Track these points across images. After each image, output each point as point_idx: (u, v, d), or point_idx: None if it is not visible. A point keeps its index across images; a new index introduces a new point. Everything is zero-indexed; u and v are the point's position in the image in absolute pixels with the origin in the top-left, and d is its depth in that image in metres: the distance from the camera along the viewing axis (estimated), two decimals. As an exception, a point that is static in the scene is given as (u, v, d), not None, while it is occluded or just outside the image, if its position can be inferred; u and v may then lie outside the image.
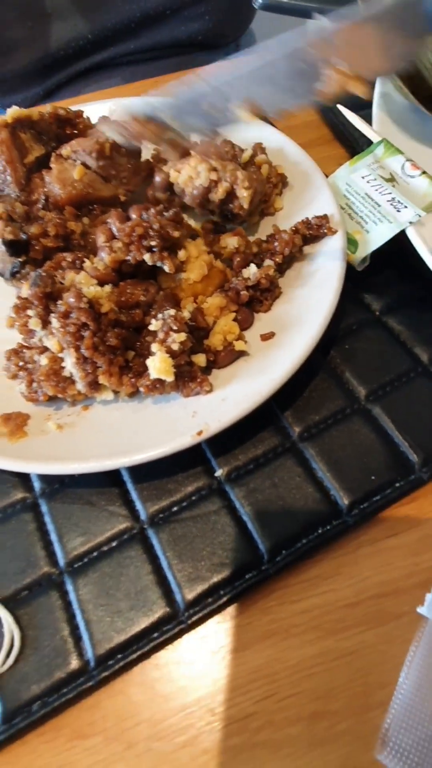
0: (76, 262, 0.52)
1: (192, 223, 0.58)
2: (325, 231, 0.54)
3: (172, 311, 0.47)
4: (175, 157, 0.48)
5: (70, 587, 0.44)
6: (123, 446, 0.45)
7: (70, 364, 0.47)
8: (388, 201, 0.54)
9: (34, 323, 0.49)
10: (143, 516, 0.46)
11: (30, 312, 0.49)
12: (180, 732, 0.38)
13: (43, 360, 0.48)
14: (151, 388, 0.47)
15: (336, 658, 0.40)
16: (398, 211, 0.53)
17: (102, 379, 0.47)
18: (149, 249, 0.49)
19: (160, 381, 0.46)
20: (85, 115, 0.60)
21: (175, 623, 0.42)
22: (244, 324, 0.52)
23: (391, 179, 0.56)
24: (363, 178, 0.57)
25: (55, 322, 0.47)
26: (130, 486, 0.48)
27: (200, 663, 0.41)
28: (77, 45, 0.98)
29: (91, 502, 0.48)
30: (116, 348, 0.47)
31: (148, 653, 0.41)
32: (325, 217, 0.55)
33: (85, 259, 0.51)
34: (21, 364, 0.51)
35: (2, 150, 0.55)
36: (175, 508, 0.47)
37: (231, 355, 0.50)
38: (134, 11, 0.98)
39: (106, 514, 0.47)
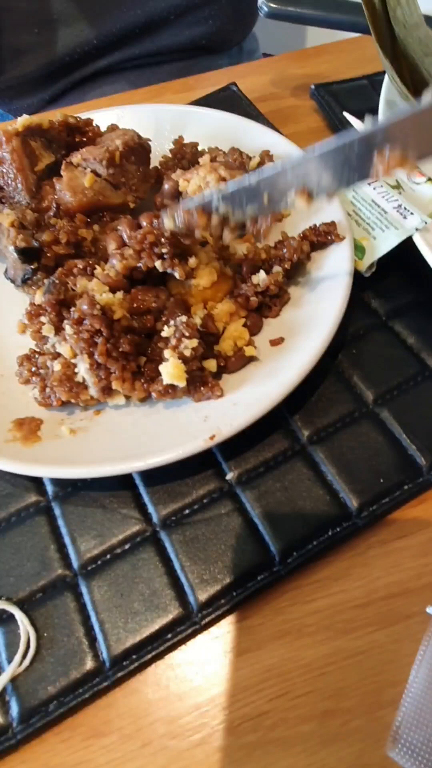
0: (87, 269, 0.53)
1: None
2: (333, 237, 0.55)
3: (184, 318, 0.48)
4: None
5: (84, 589, 0.45)
6: (135, 450, 0.46)
7: (83, 370, 0.48)
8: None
9: (48, 330, 0.50)
10: (155, 519, 0.47)
11: (43, 318, 0.50)
12: (194, 730, 0.39)
13: (56, 366, 0.49)
14: (164, 393, 0.48)
15: (347, 657, 0.41)
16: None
17: (115, 385, 0.48)
18: (160, 256, 0.50)
19: (172, 386, 0.47)
20: (94, 123, 0.61)
21: (189, 624, 0.43)
22: (254, 329, 0.53)
23: (397, 186, 0.57)
24: (369, 185, 0.58)
25: (68, 328, 0.47)
26: (142, 489, 0.49)
27: (214, 663, 0.42)
28: (83, 50, 0.99)
29: (103, 505, 0.48)
30: (129, 354, 0.48)
31: (162, 653, 0.42)
32: (332, 223, 0.56)
33: (96, 266, 0.52)
34: (34, 369, 0.52)
35: (13, 158, 0.56)
36: (187, 511, 0.47)
37: (241, 361, 0.51)
38: (139, 16, 0.99)
39: (119, 517, 0.48)
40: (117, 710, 0.40)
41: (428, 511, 0.46)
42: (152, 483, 0.49)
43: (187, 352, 0.46)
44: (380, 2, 0.59)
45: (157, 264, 0.50)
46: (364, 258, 0.56)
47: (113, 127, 0.62)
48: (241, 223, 0.48)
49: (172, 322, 0.49)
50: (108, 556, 0.46)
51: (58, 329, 0.49)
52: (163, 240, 0.49)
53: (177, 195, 0.58)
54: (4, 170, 0.56)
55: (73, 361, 0.48)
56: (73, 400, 0.50)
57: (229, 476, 0.48)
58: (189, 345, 0.47)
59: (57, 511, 0.48)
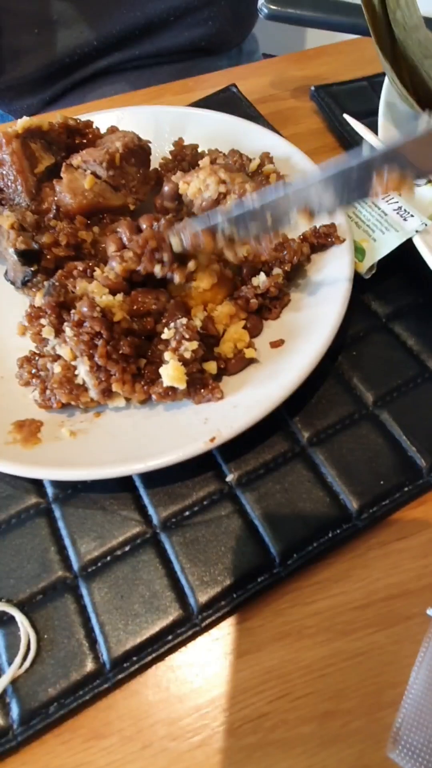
0: (87, 271, 0.53)
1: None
2: (333, 240, 0.55)
3: (184, 320, 0.48)
4: (233, 256, 0.51)
5: (84, 591, 0.45)
6: (136, 452, 0.46)
7: (83, 372, 0.48)
8: (395, 210, 0.55)
9: (48, 332, 0.50)
10: (156, 521, 0.47)
11: (43, 321, 0.50)
12: (195, 732, 0.39)
13: (57, 368, 0.49)
14: (164, 396, 0.48)
15: (347, 658, 0.41)
16: (405, 219, 0.54)
17: (115, 387, 0.48)
18: (160, 261, 0.50)
19: (172, 388, 0.47)
20: (94, 125, 0.61)
21: (189, 626, 0.43)
22: (254, 331, 0.53)
23: (397, 188, 0.57)
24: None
25: (68, 330, 0.47)
26: (142, 491, 0.49)
27: (214, 664, 0.42)
28: (83, 51, 0.99)
29: (103, 507, 0.48)
30: (129, 356, 0.48)
31: (162, 655, 0.42)
32: (332, 225, 0.56)
33: (96, 268, 0.52)
34: (34, 371, 0.52)
35: (13, 160, 0.56)
36: (187, 513, 0.47)
37: (241, 363, 0.51)
38: (138, 18, 0.99)
39: (119, 519, 0.48)
40: (117, 712, 0.41)
41: (428, 512, 0.46)
42: (152, 485, 0.49)
43: (187, 355, 0.47)
44: (380, 4, 0.59)
45: (156, 269, 0.50)
46: (364, 260, 0.56)
47: (113, 129, 0.62)
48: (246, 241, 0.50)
49: (172, 325, 0.49)
50: (108, 558, 0.46)
51: (58, 331, 0.49)
52: (164, 245, 0.49)
53: (177, 197, 0.58)
54: (4, 172, 0.56)
55: (73, 363, 0.49)
56: (73, 402, 0.50)
57: (229, 478, 0.48)
58: (189, 347, 0.47)
59: (57, 513, 0.49)
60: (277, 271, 0.54)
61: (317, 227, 0.56)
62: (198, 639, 0.43)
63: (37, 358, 0.52)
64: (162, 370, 0.47)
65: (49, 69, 1.00)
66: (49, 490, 0.50)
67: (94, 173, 0.56)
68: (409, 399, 0.51)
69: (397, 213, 0.55)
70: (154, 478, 0.49)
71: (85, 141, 0.61)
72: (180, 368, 0.46)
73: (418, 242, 0.53)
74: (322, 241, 0.56)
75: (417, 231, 0.53)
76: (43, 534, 0.48)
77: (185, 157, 0.64)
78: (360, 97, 0.78)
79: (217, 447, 0.46)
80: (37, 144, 0.58)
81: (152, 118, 0.72)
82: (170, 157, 0.65)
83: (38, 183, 0.58)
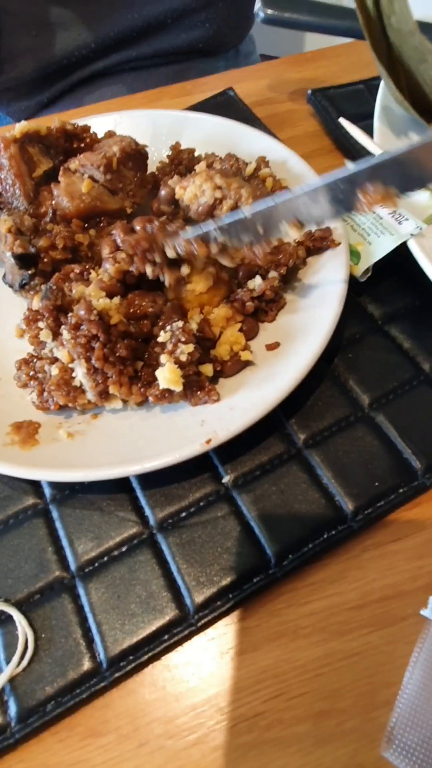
0: (84, 274, 0.53)
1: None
2: (329, 243, 0.56)
3: (180, 323, 0.49)
4: (228, 261, 0.52)
5: (81, 591, 0.45)
6: (133, 454, 0.47)
7: (80, 375, 0.48)
8: (390, 213, 0.56)
9: (45, 335, 0.50)
10: (152, 521, 0.48)
11: (41, 324, 0.51)
12: (191, 730, 0.40)
13: (54, 370, 0.50)
14: (160, 398, 0.48)
15: (342, 658, 0.41)
16: (399, 223, 0.55)
17: (112, 389, 0.48)
18: (152, 262, 0.50)
19: (168, 391, 0.48)
20: (92, 130, 0.62)
21: (185, 626, 0.43)
22: (250, 334, 0.53)
23: (392, 191, 0.57)
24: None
25: (65, 333, 0.48)
26: (139, 492, 0.49)
27: (210, 664, 0.42)
28: (80, 53, 1.00)
29: (101, 508, 0.49)
30: (126, 358, 0.49)
31: (158, 655, 0.42)
32: (328, 229, 0.56)
33: (92, 271, 0.53)
34: (32, 373, 0.52)
35: (11, 164, 0.56)
36: (183, 514, 0.48)
37: (237, 365, 0.51)
38: (136, 20, 0.99)
39: (116, 520, 0.48)
40: (114, 710, 0.41)
41: (423, 514, 0.47)
42: (149, 486, 0.49)
43: (183, 357, 0.47)
44: (375, 10, 0.60)
45: (148, 270, 0.50)
46: (360, 263, 0.56)
47: (111, 134, 0.63)
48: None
49: (168, 327, 0.49)
50: (105, 559, 0.46)
51: (56, 334, 0.50)
52: (155, 246, 0.49)
53: (173, 201, 0.59)
54: (2, 176, 0.57)
55: (70, 365, 0.49)
56: (70, 404, 0.50)
57: (226, 479, 0.49)
58: (185, 350, 0.47)
59: (55, 514, 0.49)
60: (273, 274, 0.54)
61: (313, 231, 0.56)
62: (194, 639, 0.43)
63: (35, 360, 0.53)
64: (158, 373, 0.47)
65: (47, 71, 1.00)
66: (47, 491, 0.50)
67: (91, 177, 0.57)
68: (404, 401, 0.52)
69: (392, 216, 0.55)
70: (151, 480, 0.49)
71: (82, 145, 0.62)
72: (176, 371, 0.46)
73: (412, 246, 0.53)
74: (317, 244, 0.56)
75: (412, 234, 0.54)
76: (40, 534, 0.48)
77: (182, 161, 0.65)
78: (356, 101, 0.79)
79: (213, 449, 0.46)
80: (35, 148, 0.58)
81: (149, 122, 0.72)
82: (167, 161, 0.66)
83: (36, 187, 0.58)
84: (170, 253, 0.50)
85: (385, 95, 0.65)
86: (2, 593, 0.45)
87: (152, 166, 0.65)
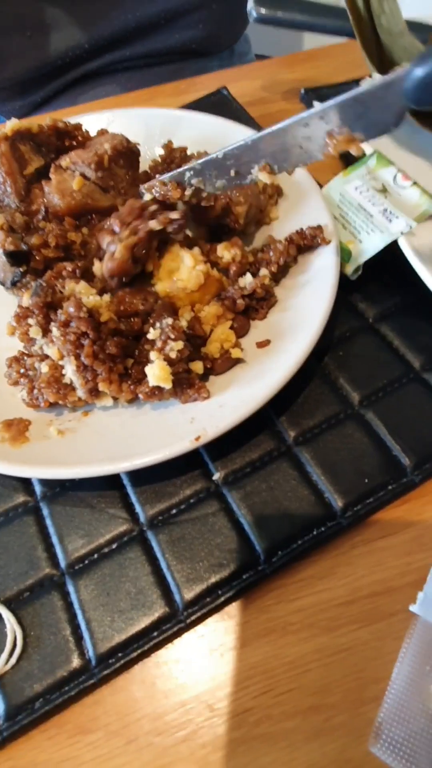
0: (76, 272, 0.53)
1: (188, 232, 0.59)
2: (319, 241, 0.56)
3: (169, 320, 0.49)
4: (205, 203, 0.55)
5: (71, 588, 0.45)
6: (123, 451, 0.47)
7: (70, 372, 0.48)
8: (381, 211, 0.56)
9: (35, 332, 0.50)
10: (143, 518, 0.48)
11: (31, 321, 0.51)
12: (180, 727, 0.40)
13: (44, 367, 0.49)
14: (150, 395, 0.48)
15: (331, 654, 0.41)
16: (390, 221, 0.55)
17: (102, 386, 0.48)
18: (153, 216, 0.51)
19: (158, 388, 0.48)
20: (84, 128, 0.62)
21: (174, 622, 0.43)
22: (241, 332, 0.53)
23: (384, 190, 0.58)
24: (356, 189, 0.59)
25: (55, 330, 0.48)
26: (129, 489, 0.49)
27: (199, 660, 0.42)
28: (74, 54, 1.00)
29: (91, 505, 0.49)
30: (116, 356, 0.49)
31: (148, 652, 0.42)
32: (319, 227, 0.56)
33: (96, 260, 0.54)
34: (22, 371, 0.52)
35: (2, 162, 0.56)
36: (173, 511, 0.48)
37: (228, 363, 0.51)
38: (129, 21, 1.00)
39: (107, 517, 0.48)
40: (103, 707, 0.41)
41: (412, 511, 0.47)
42: (140, 483, 0.49)
43: (173, 354, 0.47)
44: (365, 10, 0.60)
45: (152, 223, 0.51)
46: (350, 261, 0.56)
47: (103, 132, 0.63)
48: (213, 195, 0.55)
49: (158, 324, 0.49)
50: (95, 556, 0.46)
51: (46, 331, 0.50)
52: (146, 204, 0.52)
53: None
54: (-6, 174, 0.56)
55: (60, 362, 0.49)
56: (60, 402, 0.50)
57: (216, 476, 0.49)
58: (174, 347, 0.47)
59: (45, 511, 0.49)
60: (263, 272, 0.55)
61: (303, 229, 0.56)
62: (183, 635, 0.43)
63: (25, 357, 0.53)
64: (148, 370, 0.47)
65: (41, 71, 1.00)
66: (37, 489, 0.50)
67: (82, 174, 0.57)
68: (394, 399, 0.52)
69: (383, 215, 0.56)
70: (142, 477, 0.49)
71: (74, 143, 0.61)
72: (165, 368, 0.46)
73: (403, 244, 0.53)
74: (308, 242, 0.56)
75: (402, 232, 0.54)
76: (30, 532, 0.48)
77: (174, 160, 0.65)
78: (349, 100, 0.79)
79: (203, 446, 0.46)
80: (26, 146, 0.58)
81: (142, 121, 0.72)
82: (160, 159, 0.66)
83: (27, 184, 0.58)
84: (147, 198, 0.53)
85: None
86: (-9, 590, 0.45)
87: (145, 165, 0.65)
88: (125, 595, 0.44)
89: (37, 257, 0.55)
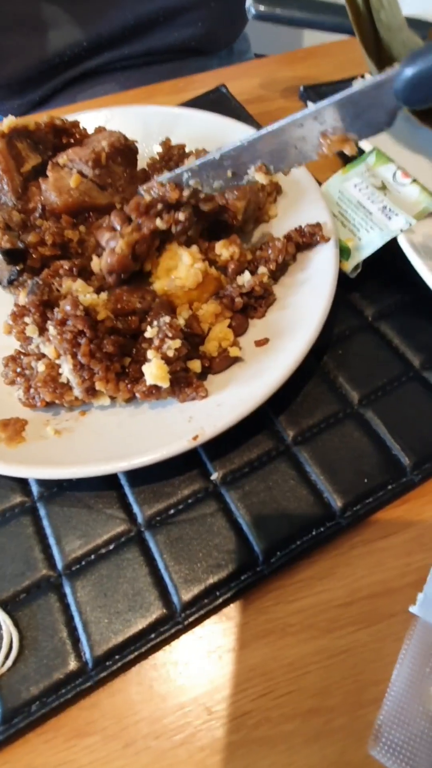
0: (73, 270, 0.53)
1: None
2: (318, 239, 0.55)
3: (167, 318, 0.48)
4: (203, 206, 0.55)
5: (68, 589, 0.45)
6: (120, 451, 0.46)
7: (67, 371, 0.48)
8: (380, 209, 0.56)
9: (31, 330, 0.50)
10: (140, 519, 0.47)
11: (27, 319, 0.50)
12: (178, 730, 0.39)
13: (41, 366, 0.49)
14: (148, 394, 0.48)
15: (331, 656, 0.41)
16: (389, 219, 0.55)
17: (99, 386, 0.48)
18: (158, 215, 0.51)
19: (156, 387, 0.47)
20: (82, 125, 0.61)
21: (172, 624, 0.43)
22: (239, 330, 0.53)
23: (383, 187, 0.57)
24: (355, 186, 0.58)
25: (52, 329, 0.48)
26: (127, 489, 0.49)
27: (197, 662, 0.42)
28: (73, 52, 0.99)
29: (88, 505, 0.48)
30: (113, 355, 0.48)
31: (145, 654, 0.42)
32: (318, 225, 0.56)
33: (94, 257, 0.53)
34: (19, 370, 0.52)
35: (-1, 159, 0.56)
36: (171, 511, 0.47)
37: (226, 361, 0.51)
38: (128, 19, 0.99)
39: (104, 517, 0.48)
40: (101, 710, 0.40)
41: (411, 511, 0.47)
42: (137, 483, 0.49)
43: (170, 353, 0.47)
44: (364, 5, 0.59)
45: (158, 222, 0.51)
46: (350, 259, 0.56)
47: (100, 129, 0.62)
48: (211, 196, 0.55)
49: (155, 323, 0.49)
50: (92, 557, 0.46)
51: (42, 330, 0.49)
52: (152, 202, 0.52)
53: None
54: (-10, 171, 0.56)
55: (57, 361, 0.49)
56: (57, 401, 0.50)
57: (214, 476, 0.49)
58: (172, 345, 0.47)
59: (42, 512, 0.49)
60: (262, 270, 0.54)
61: (302, 226, 0.56)
62: (181, 637, 0.43)
63: (21, 356, 0.52)
64: (145, 369, 0.47)
65: (39, 69, 1.00)
66: (34, 489, 0.50)
67: (80, 172, 0.56)
68: (393, 398, 0.51)
69: (382, 212, 0.55)
70: (139, 476, 0.49)
71: (72, 141, 0.61)
72: (163, 366, 0.46)
73: (402, 241, 0.53)
74: (307, 240, 0.56)
75: (402, 230, 0.53)
76: (27, 532, 0.48)
77: (172, 157, 0.64)
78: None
79: (201, 445, 0.46)
80: (23, 143, 0.58)
81: (140, 119, 0.72)
82: (158, 157, 0.65)
83: (24, 182, 0.57)
84: (146, 198, 0.52)
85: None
86: (-13, 592, 0.45)
87: (142, 163, 0.64)
88: (123, 596, 0.44)
89: (33, 255, 0.54)
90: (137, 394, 0.48)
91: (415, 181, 0.57)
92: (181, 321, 0.50)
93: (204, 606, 0.43)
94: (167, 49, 1.07)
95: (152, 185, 0.53)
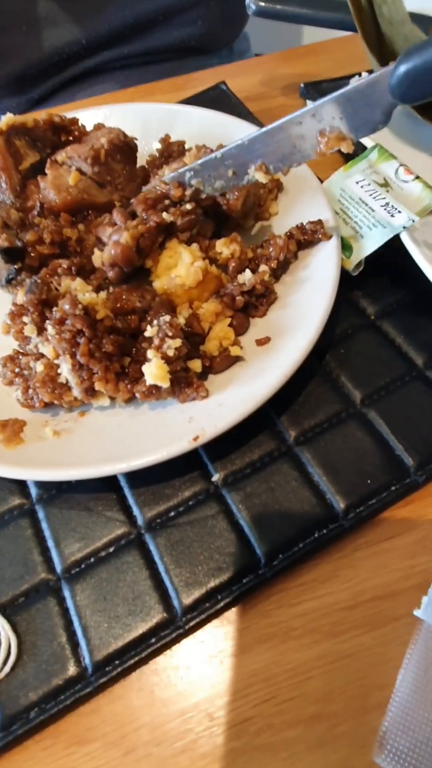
0: (72, 269, 0.52)
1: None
2: (320, 236, 0.55)
3: (167, 317, 0.48)
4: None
5: (67, 593, 0.44)
6: (120, 452, 0.46)
7: (66, 371, 0.47)
8: (382, 206, 0.55)
9: (30, 330, 0.49)
10: (140, 521, 0.47)
11: (25, 319, 0.50)
12: (179, 736, 0.39)
13: (39, 366, 0.48)
14: (147, 394, 0.47)
15: (334, 660, 0.40)
16: (392, 215, 0.54)
17: (98, 386, 0.47)
18: (165, 209, 0.51)
19: (156, 387, 0.47)
20: (80, 123, 0.61)
21: (173, 628, 0.42)
22: (240, 329, 0.52)
23: (385, 184, 0.57)
24: (357, 183, 0.58)
25: (50, 328, 0.47)
26: (127, 491, 0.48)
27: (198, 667, 0.41)
28: (71, 50, 0.99)
29: (88, 507, 0.48)
30: (112, 354, 0.47)
31: (146, 659, 0.41)
32: (319, 222, 0.55)
33: (92, 253, 0.53)
34: (17, 370, 0.51)
35: (-3, 157, 0.55)
36: (172, 513, 0.47)
37: (227, 361, 0.50)
38: (127, 17, 0.99)
39: (104, 520, 0.47)
40: (101, 717, 0.40)
41: (415, 512, 0.46)
42: (138, 485, 0.48)
43: (171, 352, 0.46)
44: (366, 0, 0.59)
45: (165, 216, 0.51)
46: (352, 256, 0.55)
47: (99, 126, 0.62)
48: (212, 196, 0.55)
49: (155, 322, 0.48)
50: (92, 560, 0.45)
51: (41, 329, 0.49)
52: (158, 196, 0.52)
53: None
54: (-12, 169, 0.55)
55: (56, 361, 0.48)
56: (56, 402, 0.49)
57: (215, 478, 0.48)
58: (172, 345, 0.46)
59: (41, 514, 0.48)
60: (263, 268, 0.53)
61: (304, 224, 0.55)
62: (182, 641, 0.42)
63: (20, 356, 0.52)
64: (145, 368, 0.46)
65: (38, 68, 1.00)
66: (33, 491, 0.49)
67: (79, 169, 0.56)
68: (396, 397, 0.51)
69: (385, 209, 0.54)
70: (139, 478, 0.48)
71: (71, 138, 0.60)
72: (163, 366, 0.45)
73: (405, 238, 0.52)
74: (309, 237, 0.55)
75: (404, 227, 0.53)
76: (26, 535, 0.47)
77: (172, 154, 0.64)
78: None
79: (202, 446, 0.45)
80: (21, 141, 0.57)
81: (140, 116, 0.71)
82: (157, 154, 0.65)
83: (23, 180, 0.57)
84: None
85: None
86: (-15, 596, 0.44)
87: (142, 160, 0.64)
88: (122, 600, 0.43)
89: (32, 254, 0.54)
90: (137, 395, 0.47)
91: (417, 177, 0.56)
92: (181, 320, 0.49)
93: (205, 610, 0.42)
94: (167, 48, 1.06)
95: (155, 184, 0.53)
